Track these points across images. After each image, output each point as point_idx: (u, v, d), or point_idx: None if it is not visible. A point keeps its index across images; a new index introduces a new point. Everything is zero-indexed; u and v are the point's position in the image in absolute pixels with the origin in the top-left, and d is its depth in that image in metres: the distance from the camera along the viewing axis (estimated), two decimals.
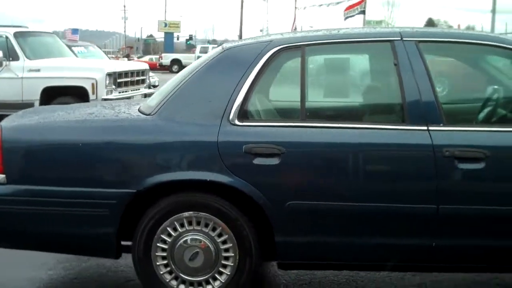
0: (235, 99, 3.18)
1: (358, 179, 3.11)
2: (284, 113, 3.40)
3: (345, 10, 30.92)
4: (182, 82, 3.32)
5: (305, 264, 3.35)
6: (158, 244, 3.21)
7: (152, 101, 3.47)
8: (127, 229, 3.26)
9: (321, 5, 34.25)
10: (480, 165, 3.00)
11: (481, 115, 3.31)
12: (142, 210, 3.22)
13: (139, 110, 3.45)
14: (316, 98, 3.43)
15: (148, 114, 3.29)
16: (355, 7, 30.76)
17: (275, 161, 3.08)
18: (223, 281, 3.21)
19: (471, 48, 3.36)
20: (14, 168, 3.26)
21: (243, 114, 3.18)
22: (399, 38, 3.25)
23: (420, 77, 3.14)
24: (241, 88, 3.20)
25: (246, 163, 3.10)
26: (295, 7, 38.86)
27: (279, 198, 3.10)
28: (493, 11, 20.43)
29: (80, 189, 3.19)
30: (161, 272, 3.23)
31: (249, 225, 3.17)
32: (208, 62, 3.35)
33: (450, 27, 60.99)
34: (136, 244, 3.23)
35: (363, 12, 30.49)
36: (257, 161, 3.09)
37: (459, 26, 48.77)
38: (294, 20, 36.16)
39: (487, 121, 3.29)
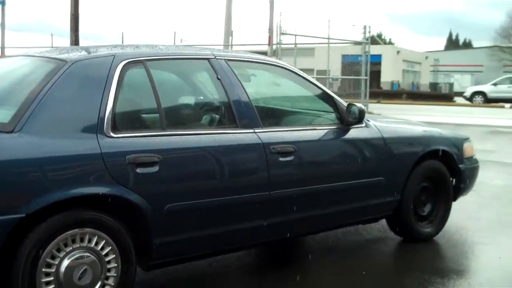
0: (105, 113, 3.23)
1: (214, 177, 3.58)
2: (150, 123, 3.52)
3: None
4: (37, 95, 3.11)
5: (172, 261, 3.60)
6: (43, 270, 2.98)
7: None
8: None
9: None
10: (291, 157, 3.88)
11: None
12: (18, 237, 2.93)
13: None
14: (170, 108, 3.66)
15: (11, 131, 2.98)
16: None
17: (154, 168, 3.28)
18: None
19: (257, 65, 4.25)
20: None
21: (114, 126, 3.24)
22: (214, 57, 3.84)
23: (238, 89, 3.81)
24: (106, 101, 3.26)
25: (131, 173, 3.21)
26: None
27: (159, 203, 3.31)
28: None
29: None
30: None
31: (128, 233, 3.26)
32: (58, 74, 3.23)
33: None
34: (20, 275, 2.91)
35: None
36: (140, 170, 3.24)
37: None
38: None
39: (294, 123, 4.22)
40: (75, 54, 3.51)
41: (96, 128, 3.18)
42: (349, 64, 21.72)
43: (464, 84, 48.56)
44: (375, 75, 39.72)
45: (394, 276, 4.29)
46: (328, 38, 16.69)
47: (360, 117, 4.23)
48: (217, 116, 3.87)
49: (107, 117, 3.22)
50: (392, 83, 44.51)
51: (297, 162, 3.92)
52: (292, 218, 3.96)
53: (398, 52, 48.01)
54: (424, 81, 52.02)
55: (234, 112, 3.75)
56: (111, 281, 3.21)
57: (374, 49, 31.95)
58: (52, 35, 24.48)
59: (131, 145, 3.26)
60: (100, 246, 3.15)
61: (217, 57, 3.86)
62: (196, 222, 3.52)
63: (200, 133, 3.60)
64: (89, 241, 3.12)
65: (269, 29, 15.35)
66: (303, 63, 21.01)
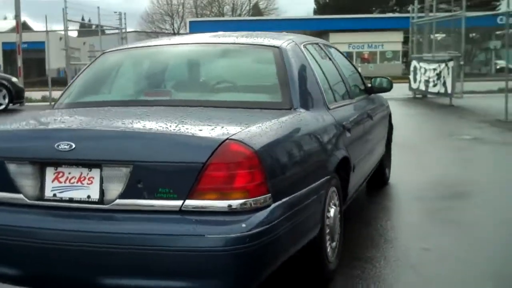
0: (322, 88, 3.84)
1: (369, 135, 4.70)
2: (330, 96, 4.03)
3: None
4: (286, 78, 3.56)
5: None
6: (326, 216, 3.49)
7: (259, 96, 3.64)
8: None
9: None
10: (371, 121, 4.87)
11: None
12: None
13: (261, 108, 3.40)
14: (333, 82, 4.30)
15: (290, 108, 3.39)
16: None
17: (349, 132, 3.98)
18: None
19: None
20: (276, 183, 2.80)
21: (328, 99, 3.85)
22: (318, 42, 4.68)
23: (340, 67, 4.70)
24: (318, 78, 3.84)
25: (346, 137, 3.90)
26: None
27: (352, 160, 4.01)
28: None
29: (311, 186, 3.18)
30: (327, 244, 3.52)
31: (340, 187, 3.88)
32: (285, 58, 3.68)
33: None
34: (323, 215, 3.43)
35: None
36: (348, 134, 3.93)
37: None
38: None
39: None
40: (269, 41, 3.97)
41: (323, 102, 3.78)
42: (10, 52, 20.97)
43: None
44: (40, 62, 38.68)
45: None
46: (100, 26, 16.31)
47: (391, 87, 5.38)
48: (349, 88, 4.63)
49: (324, 91, 3.83)
50: (59, 70, 43.88)
51: (372, 122, 4.92)
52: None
53: (60, 38, 47.32)
54: None
55: (347, 86, 4.58)
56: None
57: (38, 36, 30.89)
58: None
59: (339, 115, 3.92)
60: (335, 200, 3.73)
61: (320, 43, 4.66)
62: (361, 171, 4.44)
63: (355, 102, 4.55)
64: (332, 196, 3.69)
65: (16, 15, 14.45)
66: None
